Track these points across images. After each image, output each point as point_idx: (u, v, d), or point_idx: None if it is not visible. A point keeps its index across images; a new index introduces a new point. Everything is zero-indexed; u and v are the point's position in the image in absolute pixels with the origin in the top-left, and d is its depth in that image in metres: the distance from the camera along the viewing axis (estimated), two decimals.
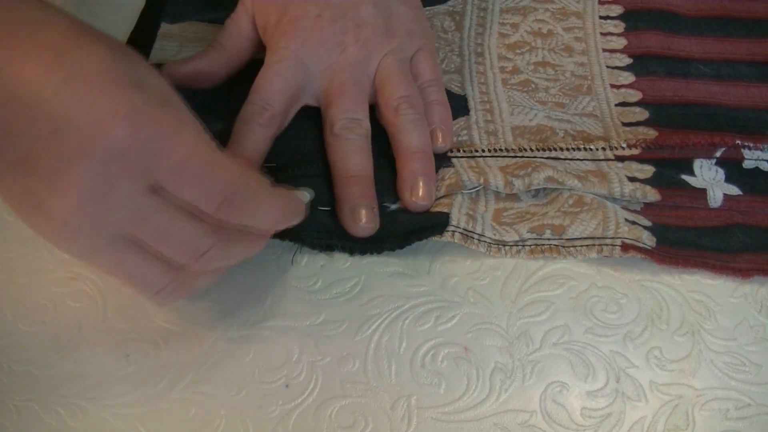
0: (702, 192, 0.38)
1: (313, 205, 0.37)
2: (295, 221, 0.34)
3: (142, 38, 0.47)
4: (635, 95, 0.42)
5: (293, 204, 0.34)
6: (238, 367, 0.34)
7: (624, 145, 0.39)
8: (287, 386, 0.33)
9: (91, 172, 0.26)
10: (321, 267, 0.37)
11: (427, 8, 0.47)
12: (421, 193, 0.37)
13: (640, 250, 0.35)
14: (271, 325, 0.35)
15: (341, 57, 0.39)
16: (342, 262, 0.37)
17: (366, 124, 0.39)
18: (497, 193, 0.38)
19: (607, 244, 0.35)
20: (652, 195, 0.37)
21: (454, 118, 0.41)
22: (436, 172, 0.38)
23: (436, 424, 0.32)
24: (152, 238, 0.29)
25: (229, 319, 0.35)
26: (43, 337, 0.35)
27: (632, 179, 0.38)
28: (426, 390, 0.33)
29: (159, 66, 0.45)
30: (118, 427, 0.33)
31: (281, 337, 0.35)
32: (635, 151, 0.39)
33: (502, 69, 0.44)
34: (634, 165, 0.39)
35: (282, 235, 0.36)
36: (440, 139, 0.39)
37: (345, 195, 0.37)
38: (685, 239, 0.36)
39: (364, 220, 0.36)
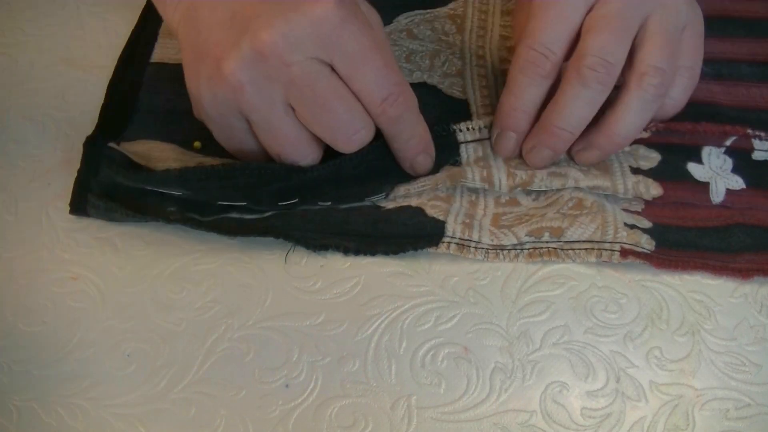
0: (704, 186, 0.38)
1: (311, 201, 0.38)
2: (426, 165, 0.37)
3: (143, 37, 0.47)
4: None
5: (430, 143, 0.37)
6: (238, 367, 0.34)
7: None
8: (287, 386, 0.34)
9: (282, 29, 0.32)
10: (321, 267, 0.37)
11: (428, 11, 0.47)
12: (532, 157, 0.37)
13: (638, 255, 0.35)
14: (271, 325, 0.35)
15: None
16: (342, 262, 0.37)
17: (617, 70, 0.34)
18: (497, 198, 0.38)
19: (606, 249, 0.35)
20: (654, 189, 0.37)
21: (455, 122, 0.41)
22: (442, 167, 0.38)
23: (436, 424, 0.32)
24: (312, 102, 0.33)
25: (229, 319, 0.35)
26: (43, 337, 0.35)
27: (636, 171, 0.38)
28: (426, 390, 0.33)
29: (159, 66, 0.45)
30: (118, 427, 0.33)
31: (281, 337, 0.35)
32: (645, 134, 0.38)
33: (503, 72, 0.44)
34: (642, 150, 0.39)
35: (276, 233, 0.37)
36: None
37: (538, 137, 0.36)
38: (685, 240, 0.36)
39: (541, 164, 0.37)
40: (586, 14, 0.35)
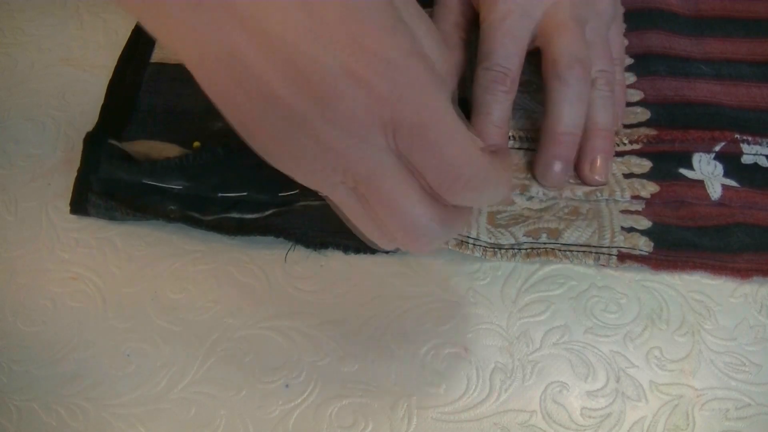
0: (700, 182, 0.38)
1: (311, 193, 0.37)
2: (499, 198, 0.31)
3: (143, 37, 0.47)
4: (636, 95, 0.42)
5: (508, 183, 0.30)
6: (238, 367, 0.34)
7: (626, 141, 0.39)
8: (287, 386, 0.33)
9: (345, 116, 0.25)
10: (321, 267, 0.37)
11: (427, 9, 0.47)
12: (599, 170, 0.38)
13: (636, 258, 0.35)
14: (271, 325, 0.35)
15: None
16: (342, 262, 0.37)
17: (589, 66, 0.37)
18: None
19: (603, 253, 0.35)
20: (651, 186, 0.38)
21: None
22: None
23: (436, 424, 0.32)
24: (375, 198, 0.27)
25: (229, 319, 0.35)
26: (43, 337, 0.35)
27: (629, 176, 0.38)
28: (426, 390, 0.33)
29: (159, 66, 0.45)
30: (118, 427, 0.33)
31: (281, 337, 0.35)
32: (636, 146, 0.39)
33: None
34: (633, 159, 0.39)
35: (276, 233, 0.37)
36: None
37: (547, 151, 0.37)
38: (684, 240, 0.36)
39: (555, 179, 0.37)
40: (536, 27, 0.37)
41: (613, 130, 0.39)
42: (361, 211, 0.28)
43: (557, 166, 0.37)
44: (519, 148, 0.40)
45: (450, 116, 0.26)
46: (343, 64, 0.24)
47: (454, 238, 0.36)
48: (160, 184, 0.37)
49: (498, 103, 0.37)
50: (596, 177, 0.38)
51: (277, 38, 0.24)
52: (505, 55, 0.37)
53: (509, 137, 0.40)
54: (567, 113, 0.36)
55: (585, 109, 0.37)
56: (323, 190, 0.28)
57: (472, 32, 0.41)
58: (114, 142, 0.38)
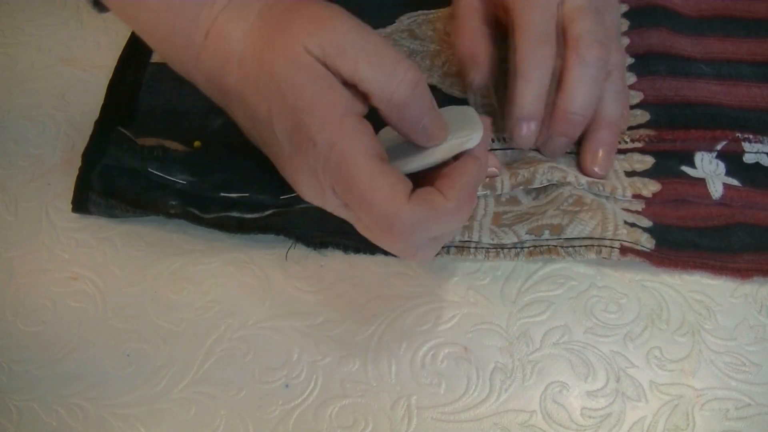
0: (701, 181, 0.38)
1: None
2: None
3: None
4: (636, 96, 0.42)
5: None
6: (238, 367, 0.34)
7: (628, 140, 0.39)
8: (287, 386, 0.33)
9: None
10: (321, 267, 0.37)
11: (431, 11, 0.47)
12: (600, 162, 0.38)
13: (638, 253, 0.35)
14: (271, 325, 0.35)
15: None
16: (342, 262, 0.37)
17: (609, 50, 0.37)
18: (497, 197, 0.38)
19: (605, 246, 0.35)
20: (652, 185, 0.38)
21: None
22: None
23: (436, 424, 0.32)
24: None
25: (229, 319, 0.35)
26: (43, 337, 0.35)
27: (631, 174, 0.38)
28: (426, 390, 0.33)
29: (159, 66, 0.45)
30: (118, 427, 0.33)
31: (281, 337, 0.35)
32: (638, 145, 0.39)
33: (503, 72, 0.44)
34: (635, 156, 0.39)
35: (276, 231, 0.37)
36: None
37: (555, 126, 0.37)
38: (684, 240, 0.36)
39: (557, 152, 0.38)
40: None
41: (620, 125, 0.39)
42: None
43: (561, 141, 0.38)
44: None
45: (370, 176, 0.30)
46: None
47: (455, 246, 0.36)
48: (165, 176, 0.37)
49: (541, 70, 0.36)
50: (596, 169, 0.38)
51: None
52: (542, 19, 0.37)
53: (493, 139, 0.40)
54: (581, 94, 0.36)
55: (598, 94, 0.37)
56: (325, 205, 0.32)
57: (429, 23, 0.42)
58: (122, 130, 0.39)
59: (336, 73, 0.30)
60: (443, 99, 0.43)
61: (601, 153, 0.38)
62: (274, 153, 0.33)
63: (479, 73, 0.40)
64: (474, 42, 0.40)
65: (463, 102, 0.42)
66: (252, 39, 0.31)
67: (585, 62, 0.36)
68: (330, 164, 0.30)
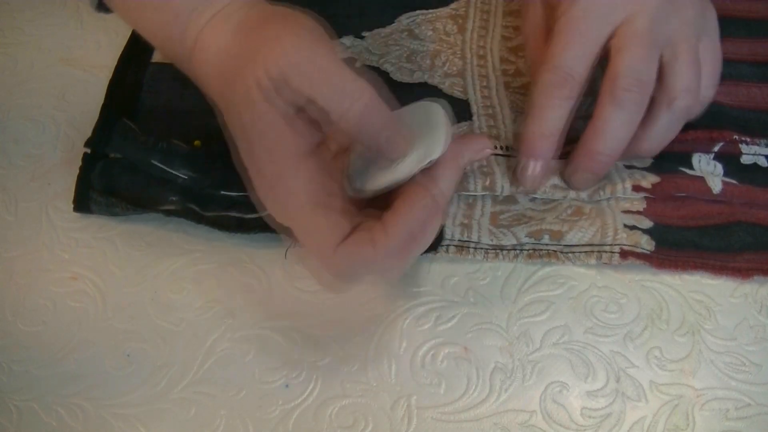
0: (700, 177, 0.38)
1: None
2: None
3: (143, 38, 0.47)
4: None
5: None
6: (238, 367, 0.34)
7: None
8: (287, 386, 0.33)
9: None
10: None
11: (430, 11, 0.47)
12: (576, 184, 0.37)
13: (638, 256, 0.35)
14: (271, 325, 0.35)
15: (642, 1, 0.34)
16: None
17: (649, 88, 0.34)
18: (494, 197, 0.38)
19: (605, 251, 0.35)
20: (651, 177, 0.37)
21: (457, 122, 0.41)
22: None
23: (436, 424, 0.32)
24: None
25: (229, 319, 0.35)
26: (43, 337, 0.35)
27: (630, 167, 0.38)
28: (426, 390, 0.33)
29: (160, 66, 0.45)
30: (118, 427, 0.33)
31: (281, 337, 0.35)
32: None
33: (504, 72, 0.44)
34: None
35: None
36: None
37: (580, 162, 0.36)
38: (685, 240, 0.36)
39: (581, 186, 0.37)
40: (612, 32, 0.35)
41: (616, 155, 0.36)
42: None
43: (586, 177, 0.36)
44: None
45: (304, 219, 0.31)
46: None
47: (454, 245, 0.36)
48: (168, 168, 0.37)
49: (555, 109, 0.34)
50: (573, 186, 0.37)
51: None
52: (575, 57, 0.34)
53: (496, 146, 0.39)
54: (610, 137, 0.35)
55: (631, 133, 0.35)
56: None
57: (428, 23, 0.41)
58: (127, 121, 0.39)
59: (296, 91, 0.29)
60: (444, 99, 0.43)
61: (579, 174, 0.37)
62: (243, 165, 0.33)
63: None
64: (535, 43, 0.39)
65: (464, 102, 0.42)
66: (223, 56, 0.31)
67: (619, 105, 0.34)
68: (275, 196, 0.31)
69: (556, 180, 0.37)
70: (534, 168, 0.36)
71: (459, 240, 0.36)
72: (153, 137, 0.38)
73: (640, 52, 0.34)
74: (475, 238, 0.36)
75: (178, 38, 0.33)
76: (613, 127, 0.34)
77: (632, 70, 0.34)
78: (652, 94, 0.35)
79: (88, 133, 0.41)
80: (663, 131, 0.36)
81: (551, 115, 0.35)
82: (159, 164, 0.38)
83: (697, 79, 0.35)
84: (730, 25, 0.45)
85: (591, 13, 0.34)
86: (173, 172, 0.37)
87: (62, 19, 0.49)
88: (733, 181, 0.38)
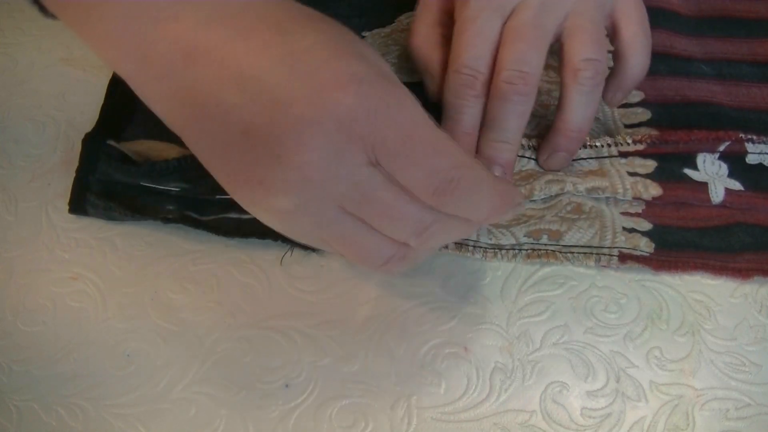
0: (703, 185, 0.38)
1: None
2: (509, 215, 0.33)
3: None
4: (637, 95, 0.42)
5: (512, 196, 0.31)
6: (238, 367, 0.34)
7: (629, 141, 0.39)
8: (287, 386, 0.33)
9: (316, 141, 0.26)
10: (321, 267, 0.37)
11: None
12: (553, 166, 0.38)
13: (637, 259, 0.35)
14: (271, 325, 0.35)
15: None
16: (342, 262, 0.37)
17: (534, 78, 0.35)
18: None
19: (604, 254, 0.35)
20: (653, 188, 0.37)
21: None
22: None
23: (436, 424, 0.32)
24: (373, 213, 0.28)
25: (229, 319, 0.35)
26: (43, 337, 0.35)
27: (633, 174, 0.38)
28: (426, 390, 0.33)
29: None
30: (118, 427, 0.33)
31: (281, 337, 0.35)
32: (640, 147, 0.39)
33: None
34: (637, 160, 0.39)
35: (274, 235, 0.37)
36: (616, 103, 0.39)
37: (554, 140, 0.37)
38: (684, 240, 0.36)
39: (557, 165, 0.38)
40: (503, 26, 0.36)
41: (586, 130, 0.37)
42: (362, 230, 0.29)
43: (561, 156, 0.37)
44: (521, 156, 0.39)
45: (429, 126, 0.27)
46: (317, 88, 0.25)
47: (453, 242, 0.36)
48: (158, 186, 0.37)
49: (468, 107, 0.36)
50: (551, 168, 0.38)
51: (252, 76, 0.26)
52: (475, 56, 0.35)
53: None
54: (580, 114, 0.36)
55: (523, 123, 0.36)
56: (326, 226, 0.28)
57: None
58: (112, 143, 0.38)
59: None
60: None
61: (560, 156, 0.38)
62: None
63: (433, 85, 0.39)
64: (427, 47, 0.39)
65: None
66: (253, 81, 0.27)
67: (503, 97, 0.35)
68: (373, 122, 0.26)
69: (550, 175, 0.37)
70: None
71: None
72: (134, 167, 0.37)
73: (522, 43, 0.35)
74: (474, 236, 0.36)
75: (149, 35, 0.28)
76: (580, 107, 0.36)
77: (514, 62, 0.35)
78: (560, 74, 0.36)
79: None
80: (578, 106, 0.36)
81: (467, 113, 0.36)
82: (148, 184, 0.37)
83: (598, 49, 0.35)
84: (730, 25, 0.46)
85: (484, 12, 0.36)
86: (164, 187, 0.37)
87: None
88: (737, 185, 0.38)
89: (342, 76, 0.26)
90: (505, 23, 0.36)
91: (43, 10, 0.30)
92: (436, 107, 0.38)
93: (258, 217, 0.29)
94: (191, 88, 0.27)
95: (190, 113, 0.28)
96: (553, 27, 0.36)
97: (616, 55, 0.37)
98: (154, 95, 0.29)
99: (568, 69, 0.35)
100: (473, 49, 0.35)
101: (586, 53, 0.35)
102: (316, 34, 0.27)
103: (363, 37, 0.46)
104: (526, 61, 0.34)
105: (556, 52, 0.37)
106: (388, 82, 0.27)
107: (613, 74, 0.38)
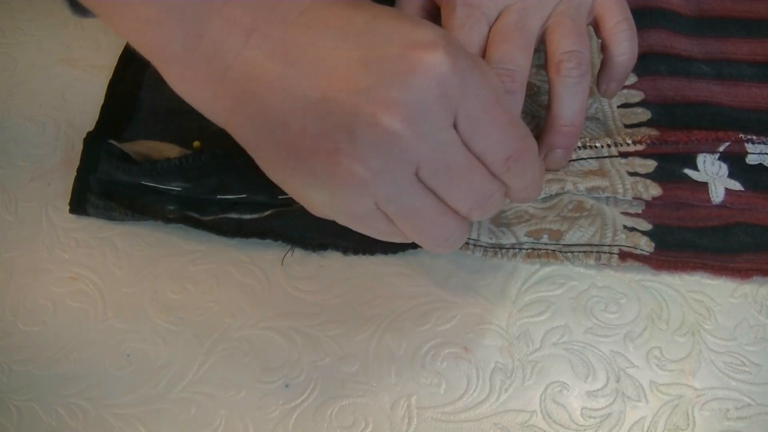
0: (703, 185, 0.38)
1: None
2: (533, 198, 0.34)
3: None
4: (637, 95, 0.42)
5: (543, 177, 0.33)
6: (238, 367, 0.34)
7: (629, 141, 0.39)
8: (287, 386, 0.33)
9: (407, 97, 0.26)
10: (321, 267, 0.37)
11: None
12: (551, 165, 0.38)
13: (637, 258, 0.35)
14: (271, 325, 0.35)
15: None
16: (341, 262, 0.37)
17: (521, 76, 0.35)
18: None
19: (604, 252, 0.35)
20: (653, 188, 0.37)
21: None
22: None
23: (436, 424, 0.32)
24: (448, 178, 0.28)
25: (229, 319, 0.35)
26: (43, 337, 0.35)
27: (633, 174, 0.38)
28: (426, 390, 0.33)
29: None
30: (118, 427, 0.33)
31: (281, 337, 0.35)
32: (640, 147, 0.39)
33: None
34: (637, 160, 0.39)
35: (275, 236, 0.37)
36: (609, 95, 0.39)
37: (550, 138, 0.37)
38: (684, 240, 0.36)
39: (555, 163, 0.38)
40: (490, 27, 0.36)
41: (579, 123, 0.37)
42: (433, 199, 0.29)
43: (558, 153, 0.37)
44: None
45: (503, 98, 0.29)
46: (407, 45, 0.26)
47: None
48: (159, 186, 0.37)
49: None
50: (550, 167, 0.38)
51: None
52: (464, 43, 0.36)
53: None
54: (571, 109, 0.36)
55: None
56: (402, 192, 0.29)
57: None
58: (113, 142, 0.38)
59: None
60: None
61: (558, 154, 0.38)
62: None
63: None
64: None
65: None
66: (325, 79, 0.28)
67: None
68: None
69: (549, 175, 0.38)
70: None
71: None
72: (135, 166, 0.37)
73: (507, 43, 0.35)
74: (474, 236, 0.36)
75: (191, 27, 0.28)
76: (571, 101, 0.36)
77: (499, 61, 0.35)
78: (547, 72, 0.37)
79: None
80: (566, 99, 0.36)
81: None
82: (150, 184, 0.37)
83: (580, 42, 0.36)
84: (730, 25, 0.46)
85: (471, 18, 0.36)
86: (165, 187, 0.37)
87: (62, 19, 0.49)
88: (737, 185, 0.38)
89: (429, 36, 0.26)
90: (490, 29, 0.36)
91: (75, 5, 0.31)
92: None
93: (312, 198, 0.29)
94: (251, 64, 0.27)
95: (244, 89, 0.28)
96: (537, 28, 0.36)
97: (603, 46, 0.38)
98: (202, 77, 0.29)
99: (551, 64, 0.36)
100: (462, 37, 0.36)
101: (567, 46, 0.36)
102: (388, 9, 0.28)
103: None
104: (511, 60, 0.35)
105: (544, 52, 0.37)
106: (467, 50, 0.28)
107: (602, 66, 0.38)
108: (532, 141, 0.30)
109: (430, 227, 0.30)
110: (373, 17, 0.27)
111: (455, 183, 0.29)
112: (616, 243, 0.36)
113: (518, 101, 0.36)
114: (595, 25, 0.38)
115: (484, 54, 0.36)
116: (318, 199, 0.29)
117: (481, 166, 0.29)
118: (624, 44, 0.37)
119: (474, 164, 0.29)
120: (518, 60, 0.35)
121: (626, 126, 0.41)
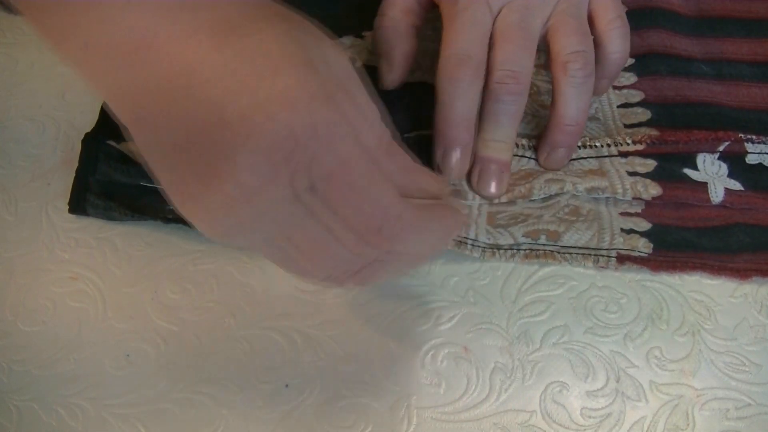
0: (703, 185, 0.38)
1: None
2: (450, 241, 0.32)
3: None
4: (637, 95, 0.42)
5: (452, 223, 0.29)
6: (238, 367, 0.34)
7: (629, 141, 0.39)
8: (287, 386, 0.33)
9: (246, 166, 0.22)
10: None
11: (431, 11, 0.47)
12: (553, 164, 0.38)
13: (636, 260, 0.35)
14: (271, 325, 0.35)
15: None
16: None
17: (525, 77, 0.35)
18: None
19: (602, 255, 0.35)
20: (653, 188, 0.37)
21: None
22: None
23: (436, 424, 0.32)
24: (302, 247, 0.26)
25: (229, 319, 0.35)
26: (43, 337, 0.35)
27: (633, 174, 0.38)
28: (426, 390, 0.33)
29: None
30: (118, 427, 0.33)
31: (281, 337, 0.35)
32: (639, 147, 0.39)
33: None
34: (637, 160, 0.39)
35: None
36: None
37: (552, 137, 0.37)
38: (683, 240, 0.36)
39: (557, 163, 0.38)
40: (493, 22, 0.36)
41: (582, 122, 0.37)
42: (296, 252, 0.26)
43: (560, 152, 0.38)
44: (521, 156, 0.39)
45: (364, 156, 0.24)
46: (257, 102, 0.22)
47: (453, 238, 0.36)
48: (158, 186, 0.37)
49: (462, 90, 0.35)
50: (551, 166, 0.38)
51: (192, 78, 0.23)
52: (468, 40, 0.35)
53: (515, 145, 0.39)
54: (574, 107, 0.36)
55: (517, 122, 0.36)
56: (258, 248, 0.27)
57: (428, 22, 0.40)
58: (112, 143, 0.38)
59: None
60: None
61: (561, 152, 0.38)
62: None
63: (390, 74, 0.39)
64: (393, 33, 0.39)
65: (424, 87, 0.42)
66: (199, 78, 0.24)
67: (495, 98, 0.35)
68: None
69: (548, 175, 0.37)
70: (456, 155, 0.36)
71: (458, 236, 0.36)
72: (134, 167, 0.37)
73: (510, 44, 0.35)
74: (472, 236, 0.36)
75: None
76: (575, 100, 0.36)
77: (503, 63, 0.35)
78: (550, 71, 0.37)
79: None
80: (571, 99, 0.36)
81: (462, 98, 0.35)
82: (148, 184, 0.37)
83: (584, 41, 0.36)
84: (730, 25, 0.46)
85: (474, 3, 0.36)
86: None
87: None
88: (737, 185, 0.38)
89: (282, 93, 0.22)
90: (493, 24, 0.36)
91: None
92: (385, 94, 0.37)
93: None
94: (139, 83, 0.25)
95: (138, 104, 0.26)
96: (539, 27, 0.36)
97: (596, 43, 0.38)
98: (102, 84, 0.27)
99: (557, 63, 0.36)
100: (467, 35, 0.36)
101: (572, 46, 0.36)
102: (268, 37, 0.23)
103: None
104: (515, 61, 0.35)
105: (546, 51, 0.37)
106: (337, 101, 0.23)
107: (595, 63, 0.38)
108: (405, 206, 0.26)
109: (300, 271, 0.28)
110: (264, 50, 0.23)
111: (311, 253, 0.26)
112: (613, 246, 0.36)
113: (522, 103, 0.36)
114: (589, 22, 0.38)
115: (487, 49, 0.36)
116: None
117: (346, 235, 0.25)
118: (617, 42, 0.38)
119: (335, 233, 0.25)
120: (522, 61, 0.35)
121: (626, 126, 0.41)
